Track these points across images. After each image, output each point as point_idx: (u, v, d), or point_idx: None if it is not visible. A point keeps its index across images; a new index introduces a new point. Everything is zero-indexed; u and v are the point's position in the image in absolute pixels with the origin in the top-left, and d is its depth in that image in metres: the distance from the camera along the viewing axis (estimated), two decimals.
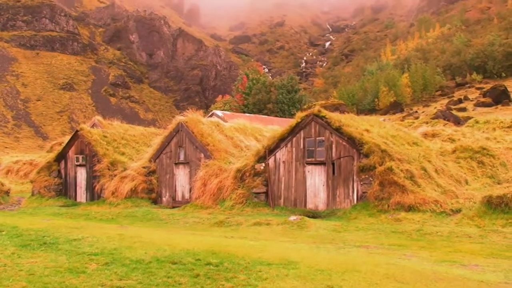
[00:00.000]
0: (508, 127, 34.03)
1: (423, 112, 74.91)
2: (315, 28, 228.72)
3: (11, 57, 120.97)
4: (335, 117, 21.73)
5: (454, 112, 62.62)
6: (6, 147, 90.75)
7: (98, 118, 39.67)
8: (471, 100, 76.05)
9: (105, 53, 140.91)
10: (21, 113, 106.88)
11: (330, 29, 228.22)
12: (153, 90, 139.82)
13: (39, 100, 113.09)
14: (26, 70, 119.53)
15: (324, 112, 21.76)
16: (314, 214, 20.37)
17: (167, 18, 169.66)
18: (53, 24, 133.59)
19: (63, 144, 32.71)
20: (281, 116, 69.16)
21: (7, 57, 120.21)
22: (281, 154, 22.56)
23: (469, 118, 50.62)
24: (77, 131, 30.72)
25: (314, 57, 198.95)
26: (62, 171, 31.41)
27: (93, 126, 36.90)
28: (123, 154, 29.55)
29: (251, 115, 55.19)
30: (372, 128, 22.19)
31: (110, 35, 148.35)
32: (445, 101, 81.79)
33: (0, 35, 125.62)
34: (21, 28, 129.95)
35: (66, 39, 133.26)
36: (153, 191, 27.17)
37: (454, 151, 24.72)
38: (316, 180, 21.46)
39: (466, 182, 21.71)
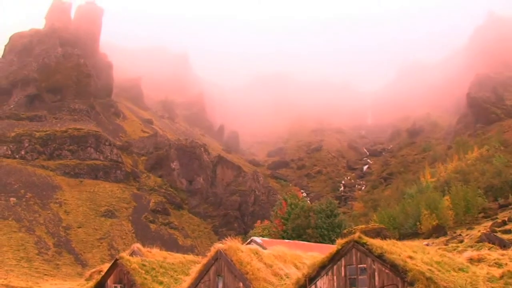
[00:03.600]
0: None
1: (467, 235, 72.75)
2: (352, 152, 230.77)
3: (55, 185, 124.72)
4: (377, 243, 21.27)
5: (498, 234, 60.74)
6: (45, 274, 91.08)
7: (137, 245, 39.74)
8: None
9: (146, 180, 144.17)
10: (62, 240, 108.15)
11: (367, 153, 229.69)
12: (192, 216, 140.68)
13: (80, 227, 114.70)
14: (69, 197, 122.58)
15: (365, 239, 21.37)
16: None
17: (207, 145, 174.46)
18: (98, 153, 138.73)
19: (102, 273, 32.66)
20: (320, 242, 68.02)
21: (51, 185, 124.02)
22: (322, 283, 21.93)
23: None
24: (116, 259, 30.74)
25: (353, 180, 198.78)
26: None
27: (132, 253, 36.89)
28: (161, 283, 29.24)
29: (290, 241, 54.53)
30: (416, 254, 21.61)
31: (152, 163, 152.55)
32: (488, 223, 79.47)
33: (46, 164, 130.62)
34: (67, 157, 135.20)
35: (109, 167, 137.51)
36: None
37: (501, 277, 23.71)
38: None
39: None
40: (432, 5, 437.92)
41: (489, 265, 27.28)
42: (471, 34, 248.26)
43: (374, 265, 20.40)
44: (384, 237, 26.24)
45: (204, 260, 27.80)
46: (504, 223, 74.97)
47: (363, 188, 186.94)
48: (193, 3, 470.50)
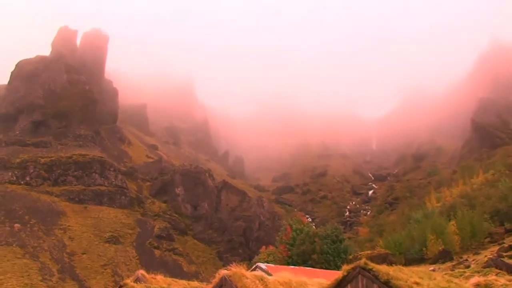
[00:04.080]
0: None
1: (473, 260, 71.95)
2: (357, 177, 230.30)
3: (60, 211, 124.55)
4: (383, 269, 21.11)
5: (505, 259, 59.95)
6: None
7: (141, 272, 39.39)
8: None
9: (151, 206, 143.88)
10: (66, 266, 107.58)
11: (373, 178, 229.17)
12: (197, 242, 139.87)
13: (85, 253, 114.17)
14: (73, 223, 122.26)
15: (371, 265, 21.21)
16: None
17: (211, 171, 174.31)
18: (102, 179, 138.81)
19: None
20: (326, 267, 67.49)
21: (56, 211, 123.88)
22: None
23: None
24: (120, 286, 30.52)
25: (358, 205, 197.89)
26: None
27: (136, 280, 36.60)
28: None
29: (295, 267, 54.09)
30: (422, 280, 21.44)
31: (156, 189, 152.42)
32: (495, 248, 78.50)
33: (51, 190, 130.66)
34: (71, 183, 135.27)
35: (114, 193, 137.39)
36: None
37: None
38: None
39: None
40: (437, 32, 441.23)
41: None
42: (475, 59, 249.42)
43: None
44: (390, 263, 26.06)
45: (209, 287, 27.58)
46: (510, 248, 74.14)
47: (368, 213, 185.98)
48: (197, 31, 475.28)
